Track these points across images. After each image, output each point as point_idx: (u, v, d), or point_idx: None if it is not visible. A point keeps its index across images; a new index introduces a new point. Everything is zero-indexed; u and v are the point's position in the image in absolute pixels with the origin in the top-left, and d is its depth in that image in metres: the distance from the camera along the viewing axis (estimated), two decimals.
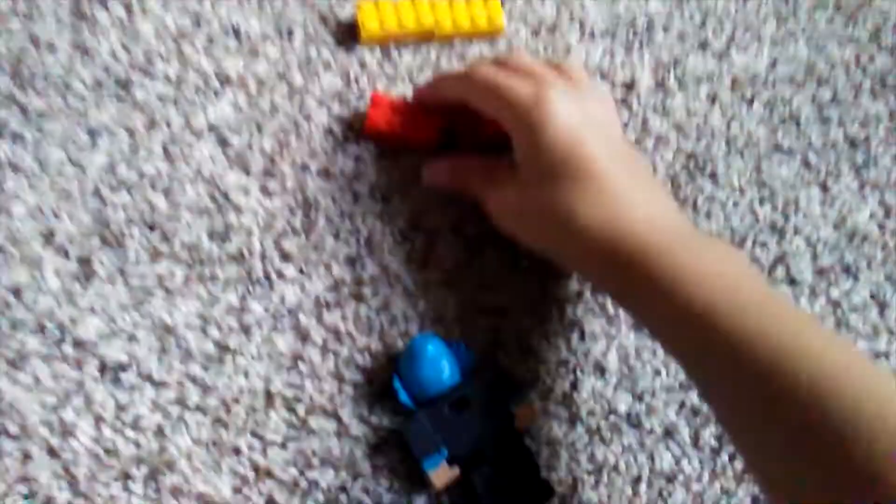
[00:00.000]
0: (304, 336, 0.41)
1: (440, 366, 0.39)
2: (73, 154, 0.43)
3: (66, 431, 0.38)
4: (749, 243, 0.47)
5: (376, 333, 0.42)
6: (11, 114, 0.44)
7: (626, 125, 0.49)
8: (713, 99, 0.51)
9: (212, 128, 0.45)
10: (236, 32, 0.48)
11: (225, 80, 0.46)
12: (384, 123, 0.44)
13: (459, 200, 0.45)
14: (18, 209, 0.42)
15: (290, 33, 0.48)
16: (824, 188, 0.49)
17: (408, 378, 0.39)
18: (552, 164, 0.37)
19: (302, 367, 0.41)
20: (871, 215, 0.49)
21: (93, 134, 0.44)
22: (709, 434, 0.42)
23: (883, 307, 0.46)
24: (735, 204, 0.48)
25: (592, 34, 0.51)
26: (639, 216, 0.36)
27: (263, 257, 0.43)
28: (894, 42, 0.55)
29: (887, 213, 0.49)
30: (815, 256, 0.47)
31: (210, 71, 0.46)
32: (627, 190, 0.37)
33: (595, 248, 0.36)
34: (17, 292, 0.40)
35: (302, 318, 0.42)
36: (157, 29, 0.47)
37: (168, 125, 0.45)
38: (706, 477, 0.42)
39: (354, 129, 0.46)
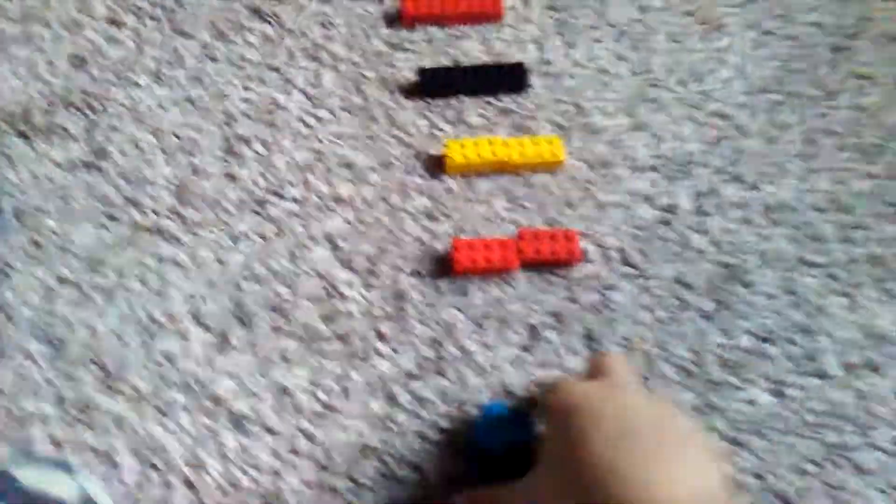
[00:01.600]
0: (393, 401, 0.50)
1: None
2: (219, 254, 0.56)
3: (200, 467, 0.47)
4: (780, 341, 0.54)
5: (454, 402, 0.51)
6: (174, 223, 0.57)
7: (668, 240, 0.59)
8: (746, 221, 0.60)
9: (327, 236, 0.57)
10: (349, 165, 0.61)
11: (338, 200, 0.59)
12: (469, 262, 0.55)
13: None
14: (175, 294, 0.54)
15: (391, 165, 0.61)
16: (848, 296, 0.57)
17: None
18: (564, 468, 0.38)
19: (392, 426, 0.49)
20: (894, 322, 0.56)
21: (235, 239, 0.56)
22: (744, 503, 0.48)
23: None
24: (767, 309, 0.56)
25: (640, 168, 0.62)
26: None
27: (363, 337, 0.53)
28: None
29: None
30: (841, 353, 0.54)
31: (327, 193, 0.59)
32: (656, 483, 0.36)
33: None
34: (169, 357, 0.51)
35: (393, 386, 0.51)
36: (288, 162, 0.60)
37: (293, 234, 0.57)
38: None
39: (441, 241, 0.57)
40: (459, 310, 0.55)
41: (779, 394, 0.53)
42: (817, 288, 0.57)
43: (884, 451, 0.50)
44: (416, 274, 0.56)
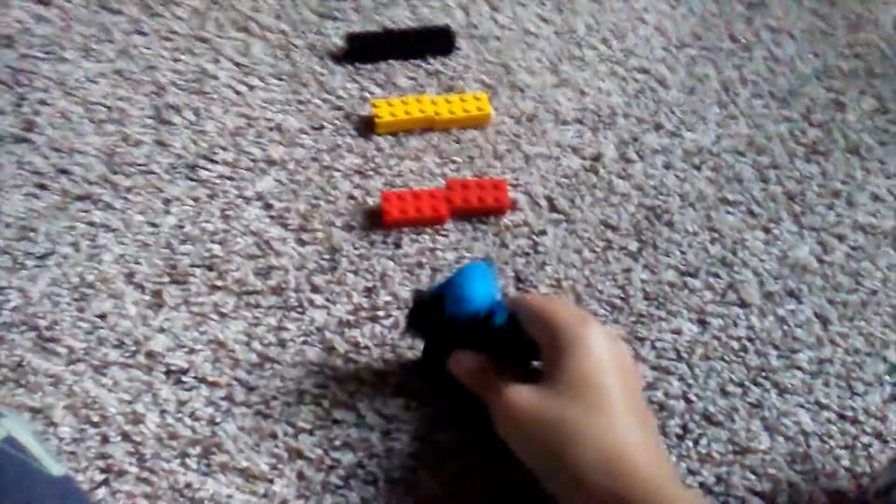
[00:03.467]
0: (329, 348, 0.50)
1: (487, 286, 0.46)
2: (151, 217, 0.55)
3: (138, 420, 0.47)
4: (703, 274, 0.56)
5: (388, 346, 0.51)
6: (105, 190, 0.56)
7: (594, 186, 0.59)
8: (667, 166, 0.61)
9: (259, 196, 0.57)
10: (279, 128, 0.61)
11: (270, 162, 0.59)
12: (398, 212, 0.55)
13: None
14: (107, 257, 0.53)
15: (321, 127, 0.61)
16: (767, 231, 0.58)
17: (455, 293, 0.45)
18: (578, 384, 0.40)
19: (327, 371, 0.49)
20: (811, 251, 0.57)
21: (167, 202, 0.56)
22: (674, 424, 0.49)
23: (825, 323, 0.54)
24: (689, 244, 0.57)
25: (565, 121, 0.63)
26: (639, 463, 0.38)
27: (297, 290, 0.53)
28: (823, 118, 0.65)
29: (825, 249, 0.57)
30: (761, 283, 0.56)
31: (259, 156, 0.59)
32: (633, 435, 0.39)
33: (589, 479, 0.37)
34: (103, 317, 0.51)
35: (328, 334, 0.51)
36: (219, 127, 0.60)
37: (225, 195, 0.57)
38: (673, 459, 0.48)
39: (373, 197, 0.57)
40: (392, 260, 0.55)
41: (702, 322, 0.54)
42: (736, 224, 0.59)
43: (805, 371, 0.52)
44: (348, 228, 0.56)
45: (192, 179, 0.58)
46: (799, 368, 0.52)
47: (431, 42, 0.67)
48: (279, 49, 0.66)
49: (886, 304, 0.55)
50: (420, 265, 0.55)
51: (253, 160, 0.59)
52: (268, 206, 0.57)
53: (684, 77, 0.68)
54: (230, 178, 0.58)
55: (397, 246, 0.56)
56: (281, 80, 0.64)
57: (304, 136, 0.61)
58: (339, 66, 0.66)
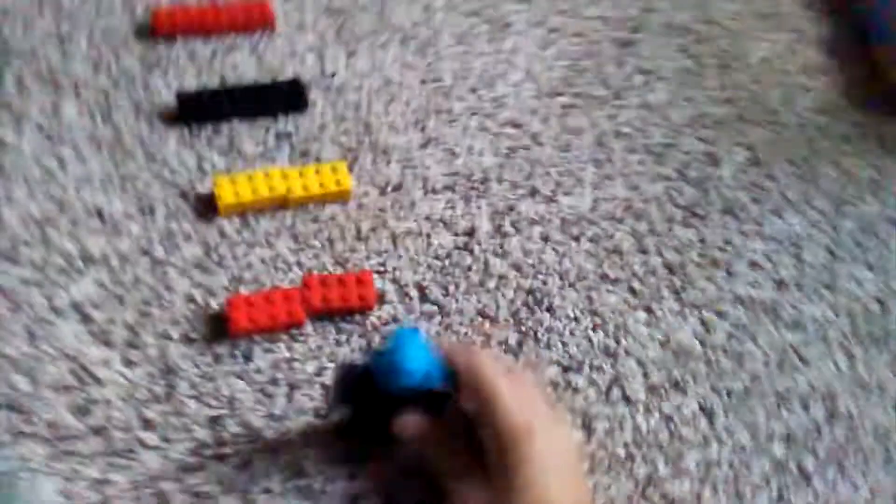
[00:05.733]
0: (165, 503, 0.41)
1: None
2: None
3: None
4: (586, 368, 0.50)
5: (237, 492, 0.42)
6: None
7: (469, 268, 0.53)
8: (545, 238, 0.55)
9: (75, 306, 0.46)
10: (100, 214, 0.50)
11: (88, 259, 0.48)
12: (247, 321, 0.46)
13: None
14: None
15: (152, 210, 0.51)
16: (649, 311, 0.54)
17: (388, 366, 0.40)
18: (521, 490, 0.39)
19: None
20: (693, 332, 0.53)
21: None
22: None
23: (711, 416, 0.50)
24: (571, 333, 0.52)
25: (434, 190, 0.56)
26: None
27: (126, 428, 0.43)
28: (698, 175, 0.61)
29: (707, 330, 0.53)
30: (646, 375, 0.51)
31: (74, 252, 0.48)
32: None
33: None
34: None
35: (164, 484, 0.42)
36: (22, 217, 0.49)
37: (31, 307, 0.46)
38: None
39: (217, 298, 0.48)
40: (241, 378, 0.46)
41: (588, 427, 0.48)
42: (618, 305, 0.54)
43: (692, 477, 0.48)
44: (187, 340, 0.47)
45: None
46: (687, 474, 0.48)
47: (280, 98, 0.57)
48: (98, 109, 0.54)
49: (770, 391, 0.52)
50: (275, 382, 0.46)
51: (66, 258, 0.48)
52: (86, 319, 0.46)
53: (558, 131, 0.61)
54: (37, 285, 0.47)
55: (247, 359, 0.47)
56: (100, 150, 0.53)
57: (131, 222, 0.50)
58: (171, 129, 0.55)
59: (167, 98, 0.56)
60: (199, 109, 0.55)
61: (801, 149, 0.65)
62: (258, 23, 0.60)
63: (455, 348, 0.43)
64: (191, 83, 0.57)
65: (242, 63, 0.59)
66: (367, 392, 0.41)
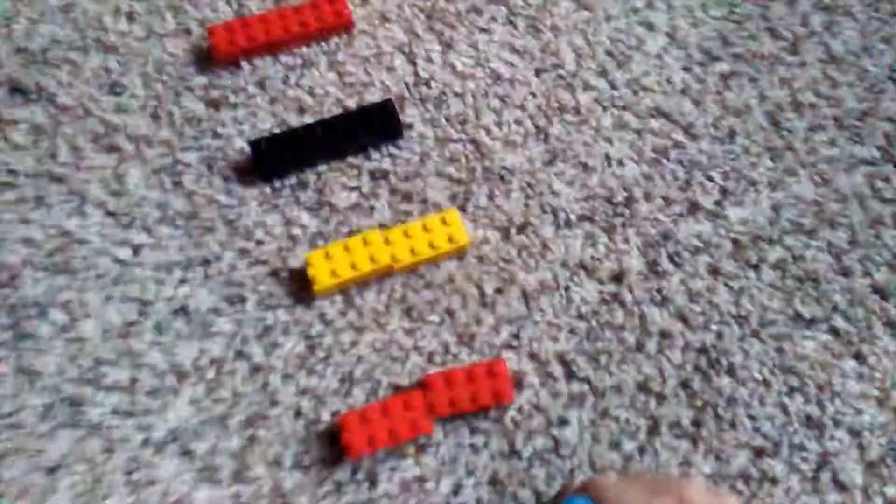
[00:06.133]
0: None
1: None
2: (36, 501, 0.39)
3: None
4: (785, 449, 0.40)
5: None
6: None
7: (622, 328, 0.43)
8: (715, 272, 0.44)
9: (173, 436, 0.40)
10: (185, 311, 0.43)
11: (181, 374, 0.42)
12: (364, 443, 0.39)
13: None
14: None
15: (242, 299, 0.43)
16: (859, 358, 0.42)
17: None
18: None
19: None
20: None
21: (50, 471, 0.39)
22: None
23: None
24: (761, 402, 0.41)
25: (569, 223, 0.45)
26: None
27: None
28: None
29: None
30: (861, 448, 0.40)
31: (164, 366, 0.42)
32: None
33: None
34: None
35: None
36: (99, 329, 0.42)
37: (125, 444, 0.40)
38: None
39: (327, 406, 0.41)
40: None
41: None
42: (818, 353, 0.42)
43: None
44: (301, 468, 0.40)
45: (75, 426, 0.41)
46: None
47: (370, 127, 0.47)
48: (165, 172, 0.46)
49: None
50: None
51: (156, 374, 0.42)
52: (187, 453, 0.40)
53: (717, 114, 0.48)
54: (129, 414, 0.41)
55: (372, 483, 0.40)
56: (174, 226, 0.45)
57: (221, 318, 0.43)
58: (249, 186, 0.46)
59: (240, 144, 0.47)
60: (277, 158, 0.46)
61: None
62: (333, 23, 0.49)
63: (621, 494, 0.33)
64: (264, 120, 0.47)
65: (320, 81, 0.49)
66: None
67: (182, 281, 0.44)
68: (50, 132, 0.47)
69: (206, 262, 0.44)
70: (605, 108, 0.48)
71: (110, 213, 0.45)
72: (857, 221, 0.45)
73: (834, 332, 0.43)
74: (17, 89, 0.48)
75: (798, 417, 0.41)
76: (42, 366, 0.42)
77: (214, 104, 0.48)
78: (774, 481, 0.40)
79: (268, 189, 0.46)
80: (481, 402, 0.40)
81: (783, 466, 0.40)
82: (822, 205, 0.46)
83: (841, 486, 0.40)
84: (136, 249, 0.45)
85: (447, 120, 0.48)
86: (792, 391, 0.42)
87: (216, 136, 0.47)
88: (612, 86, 0.49)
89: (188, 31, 0.50)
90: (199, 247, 0.45)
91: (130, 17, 0.50)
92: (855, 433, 0.41)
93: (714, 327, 0.43)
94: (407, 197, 0.46)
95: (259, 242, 0.45)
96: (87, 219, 0.45)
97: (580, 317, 0.43)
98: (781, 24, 0.51)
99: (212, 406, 0.41)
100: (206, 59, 0.49)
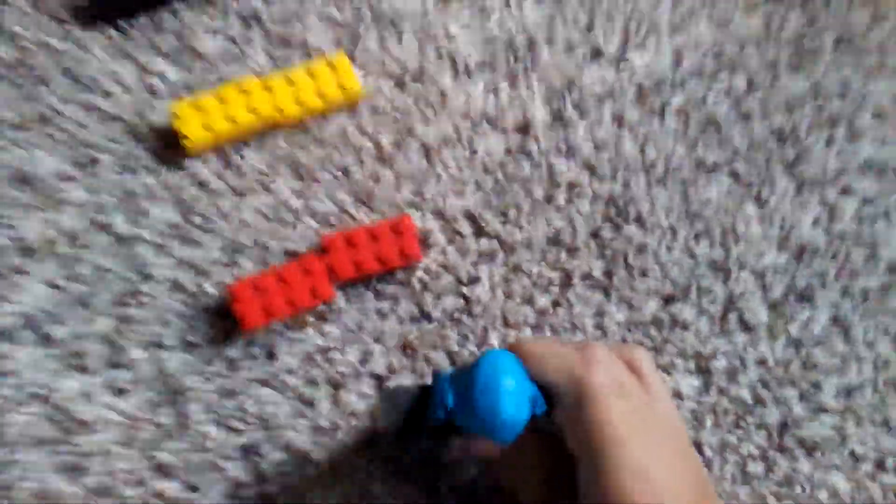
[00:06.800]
0: None
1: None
2: None
3: None
4: (693, 293, 0.40)
5: None
6: None
7: (529, 180, 0.40)
8: (619, 119, 0.42)
9: (28, 320, 0.34)
10: (23, 179, 0.36)
11: (27, 251, 0.35)
12: (261, 313, 0.34)
13: None
14: None
15: (95, 162, 0.36)
16: (759, 201, 0.42)
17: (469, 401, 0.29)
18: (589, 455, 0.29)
19: None
20: (815, 222, 0.42)
21: None
22: None
23: (846, 330, 0.41)
24: (669, 249, 0.40)
25: (468, 70, 0.41)
26: None
27: (136, 481, 0.33)
28: None
29: (831, 217, 0.42)
30: (764, 288, 0.40)
31: (8, 243, 0.35)
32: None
33: None
34: None
35: None
36: None
37: None
38: None
39: (210, 277, 0.36)
40: (268, 385, 0.35)
41: (704, 372, 0.39)
42: (721, 199, 0.42)
43: (832, 411, 0.39)
44: (186, 346, 0.35)
45: None
46: (825, 410, 0.39)
47: None
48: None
49: None
50: (313, 383, 0.36)
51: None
52: (46, 340, 0.34)
53: None
54: None
55: (270, 357, 0.36)
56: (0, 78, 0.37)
57: (71, 183, 0.36)
58: (89, 28, 0.38)
59: None
60: None
61: None
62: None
63: (545, 355, 0.31)
64: None
65: None
66: (435, 428, 0.30)
67: (14, 143, 0.36)
68: None
69: (44, 120, 0.37)
70: None
71: None
72: (755, 65, 0.45)
73: (735, 176, 0.42)
74: None
75: (704, 262, 0.41)
76: None
77: None
78: (685, 325, 0.39)
79: (113, 32, 0.38)
80: (388, 262, 0.36)
81: (692, 310, 0.40)
82: (722, 48, 0.44)
83: (747, 326, 0.40)
84: None
85: None
86: (698, 237, 0.41)
87: None
88: None
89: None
90: (32, 100, 0.37)
91: None
92: (758, 274, 0.41)
93: (621, 176, 0.41)
94: (285, 42, 0.40)
95: (108, 94, 0.38)
96: None
97: (486, 170, 0.40)
98: None
99: (69, 285, 0.35)
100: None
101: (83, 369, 0.34)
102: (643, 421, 0.29)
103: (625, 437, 0.28)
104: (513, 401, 0.28)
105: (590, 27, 0.43)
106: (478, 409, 0.28)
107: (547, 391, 0.29)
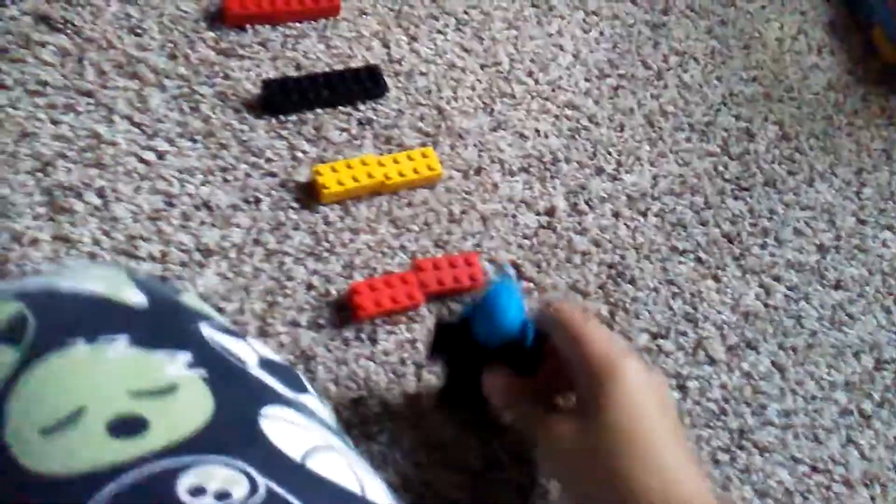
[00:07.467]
0: None
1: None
2: None
3: None
4: (672, 333, 0.54)
5: (390, 466, 0.44)
6: None
7: (555, 246, 0.55)
8: (616, 215, 0.59)
9: (204, 298, 0.47)
10: (207, 206, 0.50)
11: (207, 251, 0.48)
12: (373, 306, 0.48)
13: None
14: None
15: (258, 200, 0.51)
16: (717, 279, 0.58)
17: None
18: (623, 418, 0.38)
19: None
20: (756, 296, 0.58)
21: None
22: None
23: (782, 371, 0.55)
24: (654, 302, 0.55)
25: (511, 171, 0.58)
26: (685, 493, 0.37)
27: None
28: (739, 150, 0.65)
29: (767, 293, 0.58)
30: (723, 336, 0.55)
31: (191, 244, 0.48)
32: (681, 468, 0.38)
33: None
34: None
35: None
36: (133, 212, 0.48)
37: None
38: None
39: (334, 284, 0.49)
40: (372, 360, 0.48)
41: (682, 388, 0.53)
42: (690, 274, 0.58)
43: (776, 425, 0.53)
44: (316, 326, 0.48)
45: None
46: (772, 424, 0.53)
47: (360, 85, 0.58)
48: (184, 100, 0.54)
49: (827, 346, 0.57)
50: (403, 363, 0.48)
51: (185, 250, 0.48)
52: (217, 311, 0.47)
53: (611, 111, 0.65)
54: (162, 279, 0.47)
55: (373, 341, 0.49)
56: (195, 141, 0.53)
57: (240, 213, 0.51)
58: (259, 118, 0.55)
59: (248, 87, 0.56)
60: (284, 98, 0.55)
61: (821, 123, 0.70)
62: (324, 8, 0.60)
63: (543, 304, 0.44)
64: (268, 71, 0.57)
65: (313, 49, 0.59)
66: (462, 344, 0.43)
67: (203, 183, 0.51)
68: (75, 56, 0.53)
69: (223, 170, 0.52)
70: (532, 97, 0.63)
71: (136, 124, 0.52)
72: (709, 191, 0.63)
73: (699, 260, 0.59)
74: (43, 18, 0.54)
75: (680, 313, 0.56)
76: (78, 237, 0.47)
77: (224, 53, 0.57)
78: (667, 354, 0.54)
79: (274, 121, 0.55)
80: (461, 283, 0.51)
81: (672, 344, 0.54)
82: (685, 178, 0.63)
83: (712, 360, 0.54)
84: (161, 155, 0.51)
85: (416, 90, 0.60)
86: (674, 295, 0.56)
87: (227, 77, 0.56)
88: (537, 83, 0.64)
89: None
90: (216, 158, 0.52)
91: None
92: (718, 326, 0.56)
93: (619, 251, 0.57)
94: (387, 140, 0.57)
95: (269, 160, 0.53)
96: (115, 126, 0.51)
97: (524, 236, 0.56)
98: (650, 59, 0.69)
99: (234, 277, 0.48)
100: (215, 20, 0.58)
101: (243, 335, 0.46)
102: (635, 359, 0.40)
103: (624, 361, 0.39)
104: (515, 305, 0.42)
105: (594, 155, 0.62)
106: (487, 308, 0.42)
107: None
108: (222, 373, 0.30)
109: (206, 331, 0.32)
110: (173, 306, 0.33)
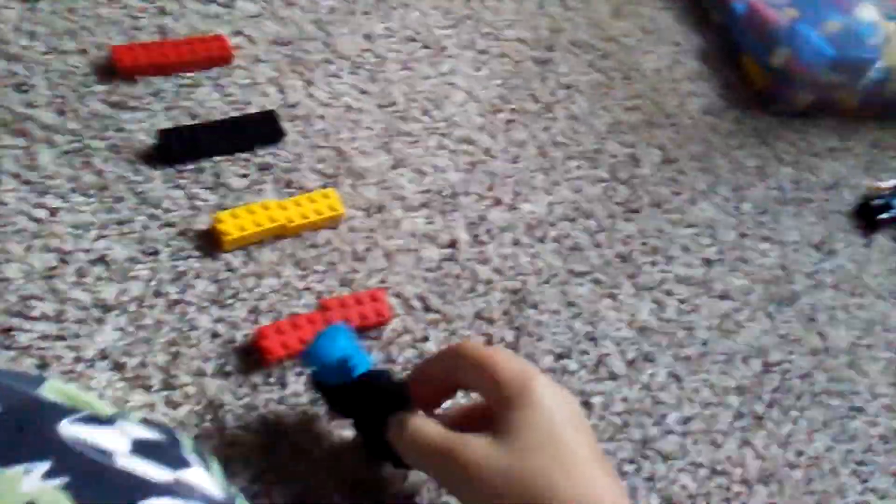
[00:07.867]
0: None
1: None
2: None
3: None
4: (575, 353, 0.56)
5: None
6: None
7: (458, 277, 0.57)
8: (516, 243, 0.61)
9: (103, 355, 0.46)
10: (104, 260, 0.49)
11: (104, 307, 0.47)
12: (281, 348, 0.48)
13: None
14: None
15: (156, 252, 0.51)
16: (613, 297, 0.60)
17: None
18: (538, 438, 0.39)
19: None
20: (650, 311, 0.61)
21: None
22: None
23: (680, 381, 0.58)
24: (556, 324, 0.57)
25: (413, 207, 0.59)
26: (607, 500, 0.39)
27: None
28: (626, 175, 0.69)
29: (660, 308, 0.61)
30: (622, 352, 0.58)
31: (88, 301, 0.47)
32: (602, 485, 0.39)
33: None
34: None
35: None
36: (25, 271, 0.47)
37: (59, 361, 0.45)
38: None
39: (240, 330, 0.49)
40: (282, 403, 0.48)
41: (586, 405, 0.55)
42: (588, 295, 0.60)
43: (676, 433, 0.55)
44: (222, 374, 0.47)
45: (8, 348, 0.44)
46: (672, 432, 0.55)
47: (257, 131, 0.58)
48: (75, 155, 0.53)
49: (717, 353, 0.61)
50: (314, 403, 0.48)
51: (82, 307, 0.47)
52: (118, 366, 0.46)
53: (505, 144, 0.67)
54: (60, 338, 0.46)
55: (282, 385, 0.48)
56: (88, 195, 0.52)
57: (138, 265, 0.50)
58: (155, 169, 0.54)
59: (143, 138, 0.55)
60: (180, 147, 0.55)
61: (699, 145, 0.75)
62: (216, 57, 0.60)
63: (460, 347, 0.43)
64: (162, 121, 0.57)
65: (208, 97, 0.59)
66: (338, 395, 0.44)
67: (98, 237, 0.50)
68: None
69: (119, 223, 0.51)
70: (429, 134, 0.65)
71: (25, 182, 0.51)
72: (601, 215, 0.66)
73: (595, 281, 0.61)
74: None
75: (580, 333, 0.58)
76: None
77: (116, 105, 0.56)
78: (571, 373, 0.56)
79: (171, 171, 0.55)
80: (368, 319, 0.51)
81: (575, 363, 0.56)
82: (579, 204, 0.66)
83: (613, 376, 0.57)
84: (53, 212, 0.50)
85: (314, 133, 0.61)
86: (575, 317, 0.59)
87: (120, 129, 0.55)
88: (433, 120, 0.66)
89: (85, 51, 0.58)
90: (111, 212, 0.51)
91: (32, 35, 0.57)
92: (617, 342, 0.58)
93: (520, 278, 0.59)
94: (288, 184, 0.57)
95: (167, 210, 0.53)
96: (2, 185, 0.50)
97: (428, 270, 0.57)
98: (539, 93, 0.72)
99: (134, 331, 0.47)
100: (105, 73, 0.57)
101: (147, 387, 0.45)
102: (575, 415, 0.41)
103: (534, 380, 0.40)
104: (328, 338, 0.44)
105: (491, 187, 0.64)
106: (313, 351, 0.44)
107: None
108: (86, 477, 0.29)
109: (69, 429, 0.31)
110: (31, 407, 0.32)
